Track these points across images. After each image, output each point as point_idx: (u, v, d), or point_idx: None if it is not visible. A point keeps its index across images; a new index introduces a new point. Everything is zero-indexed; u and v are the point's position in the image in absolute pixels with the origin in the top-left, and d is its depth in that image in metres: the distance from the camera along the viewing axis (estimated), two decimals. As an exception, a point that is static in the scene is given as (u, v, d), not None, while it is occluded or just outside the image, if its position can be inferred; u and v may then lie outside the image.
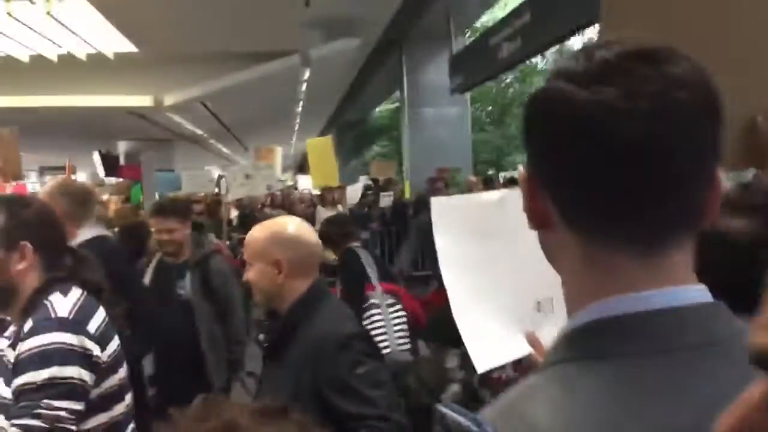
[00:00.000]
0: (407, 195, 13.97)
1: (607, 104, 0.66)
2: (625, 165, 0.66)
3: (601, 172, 0.68)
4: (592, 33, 15.57)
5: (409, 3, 12.09)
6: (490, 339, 1.55)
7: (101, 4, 9.29)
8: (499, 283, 1.57)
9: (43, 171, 28.61)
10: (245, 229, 11.08)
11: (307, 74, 13.41)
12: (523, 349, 1.43)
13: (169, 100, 12.70)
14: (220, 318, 3.83)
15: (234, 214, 12.19)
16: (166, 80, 12.60)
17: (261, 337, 2.18)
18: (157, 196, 10.62)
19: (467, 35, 16.80)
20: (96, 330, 1.83)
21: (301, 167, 43.62)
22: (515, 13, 9.39)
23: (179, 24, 10.66)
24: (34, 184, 31.68)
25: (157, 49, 11.34)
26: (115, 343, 1.92)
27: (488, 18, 18.34)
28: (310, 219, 10.71)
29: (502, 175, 12.17)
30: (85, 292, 1.89)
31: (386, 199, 12.21)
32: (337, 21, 11.91)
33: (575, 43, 16.13)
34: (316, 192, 13.04)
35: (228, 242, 9.97)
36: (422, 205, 11.35)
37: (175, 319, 3.67)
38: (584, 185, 0.70)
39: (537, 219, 0.78)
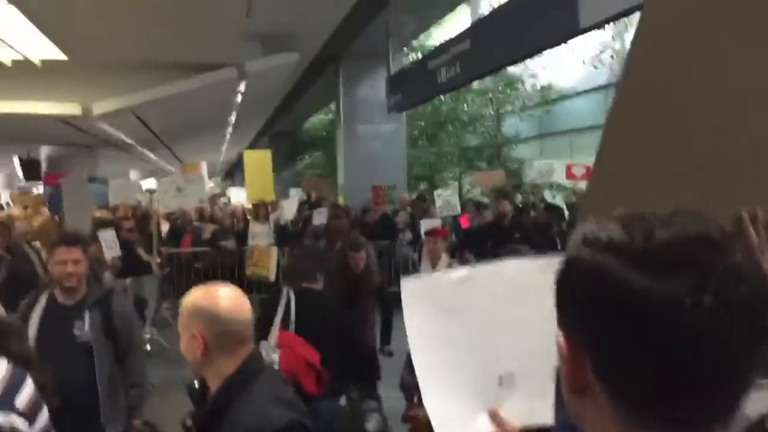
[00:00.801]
0: (341, 211, 13.96)
1: (671, 297, 0.67)
2: (681, 352, 0.68)
3: (655, 356, 0.69)
4: (530, 63, 16.13)
5: (349, 20, 12.12)
6: (455, 417, 1.57)
7: (28, 11, 8.89)
8: (462, 360, 1.59)
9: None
10: (176, 244, 10.86)
11: (242, 86, 13.24)
12: (486, 427, 1.47)
13: (98, 108, 12.26)
14: (120, 360, 3.59)
15: (164, 228, 11.90)
16: (96, 89, 12.16)
17: (188, 422, 2.01)
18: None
19: (405, 54, 16.97)
20: (25, 405, 1.76)
21: (229, 174, 43.11)
22: (455, 39, 9.56)
23: (112, 32, 10.30)
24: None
25: (88, 57, 10.93)
26: (44, 416, 1.85)
27: (426, 36, 18.57)
28: (242, 234, 10.61)
29: (436, 193, 12.29)
30: (12, 364, 1.82)
31: (320, 216, 12.15)
32: (277, 35, 11.82)
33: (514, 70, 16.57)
34: (248, 205, 12.86)
35: (158, 258, 9.75)
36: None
37: (72, 363, 3.37)
38: (633, 364, 0.70)
39: (574, 384, 0.78)
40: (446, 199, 11.67)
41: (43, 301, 3.53)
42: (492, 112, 20.72)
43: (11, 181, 24.41)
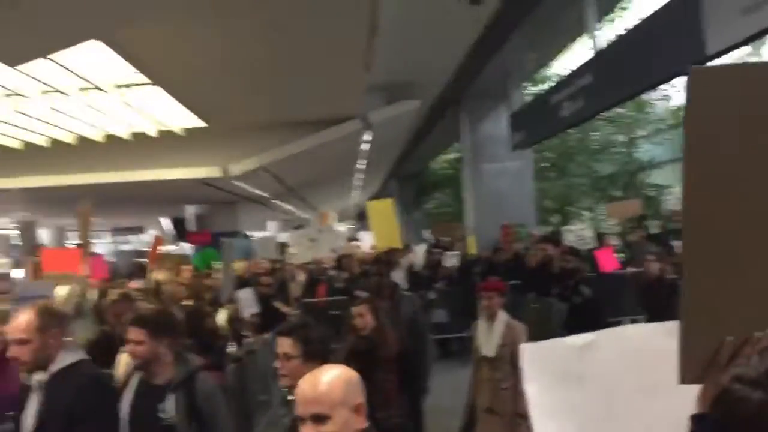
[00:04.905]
0: (472, 251, 13.88)
1: None
2: None
3: None
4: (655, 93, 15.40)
5: (467, 63, 12.20)
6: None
7: (170, 87, 9.70)
8: (589, 430, 1.53)
9: (116, 232, 29.89)
10: (312, 294, 11.11)
11: (367, 136, 13.63)
12: None
13: (235, 169, 13.09)
14: None
15: (301, 278, 12.30)
16: (233, 151, 13.00)
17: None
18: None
19: (525, 89, 16.79)
20: None
21: (361, 216, 44.20)
22: (577, 72, 9.34)
23: (244, 97, 11.02)
24: (108, 245, 33.07)
25: (223, 122, 11.74)
26: None
27: (546, 69, 18.31)
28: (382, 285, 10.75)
29: (565, 229, 11.92)
30: None
31: (451, 259, 12.13)
32: (397, 85, 12.12)
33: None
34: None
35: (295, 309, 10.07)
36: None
37: None
38: None
39: None
40: (578, 233, 11.30)
41: (136, 378, 3.51)
42: (624, 138, 19.99)
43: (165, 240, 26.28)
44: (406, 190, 28.99)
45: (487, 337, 4.95)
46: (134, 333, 3.38)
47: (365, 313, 4.63)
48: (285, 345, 2.98)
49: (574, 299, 7.55)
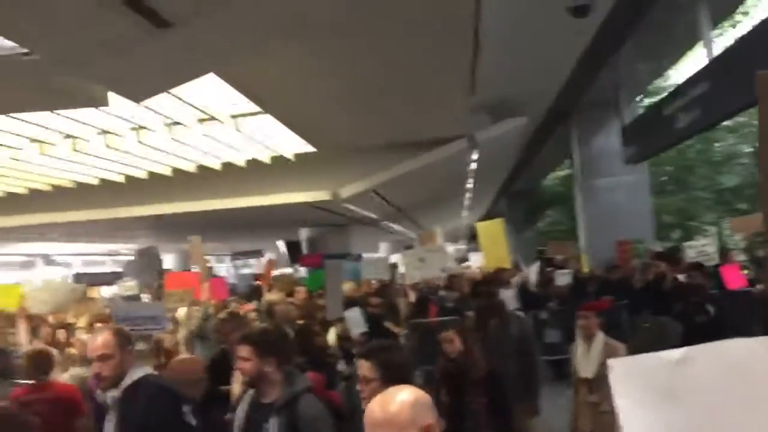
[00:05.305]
0: (585, 269, 13.45)
1: None
2: None
3: None
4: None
5: (575, 76, 11.91)
6: None
7: (281, 115, 10.09)
8: None
9: (235, 256, 31.33)
10: (422, 314, 11.15)
11: (475, 155, 13.56)
12: None
13: (345, 192, 13.40)
14: None
15: (411, 298, 12.35)
16: (342, 174, 13.33)
17: None
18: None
19: (640, 102, 16.19)
20: None
21: (473, 237, 43.94)
22: (691, 81, 8.92)
23: (352, 122, 11.29)
24: (229, 268, 34.62)
25: (332, 147, 12.05)
26: None
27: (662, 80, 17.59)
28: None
29: (687, 245, 11.31)
30: None
31: (564, 278, 11.79)
32: (504, 102, 12.00)
33: None
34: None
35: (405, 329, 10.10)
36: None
37: None
38: None
39: None
40: (700, 249, 10.70)
41: (249, 396, 3.54)
42: (749, 148, 18.80)
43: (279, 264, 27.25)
44: (517, 208, 28.53)
45: (586, 358, 4.82)
46: (242, 350, 3.46)
47: (454, 338, 4.68)
48: (364, 368, 2.98)
49: (697, 318, 7.15)
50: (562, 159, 21.97)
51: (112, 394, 3.37)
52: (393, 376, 2.86)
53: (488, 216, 24.34)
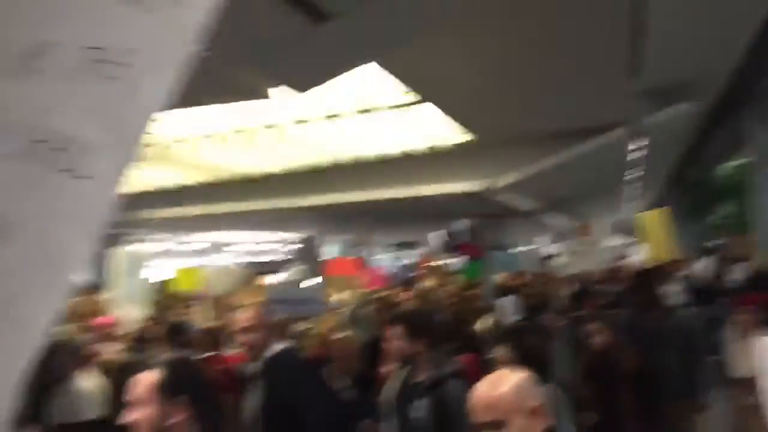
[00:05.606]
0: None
1: None
2: None
3: None
4: None
5: (752, 58, 11.04)
6: None
7: (442, 103, 10.24)
8: None
9: (396, 246, 32.48)
10: (579, 307, 10.97)
11: (637, 143, 13.00)
12: None
13: (501, 182, 13.34)
14: None
15: (565, 291, 12.13)
16: (500, 164, 13.28)
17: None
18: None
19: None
20: None
21: (633, 229, 41.52)
22: None
23: (510, 109, 11.23)
24: (390, 258, 35.69)
25: (491, 136, 12.05)
26: None
27: None
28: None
29: None
30: None
31: (739, 272, 11.03)
32: (669, 88, 11.39)
33: None
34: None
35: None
36: None
37: None
38: None
39: None
40: None
41: (402, 373, 3.61)
42: None
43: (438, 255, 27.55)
44: (687, 199, 26.80)
45: (741, 357, 4.48)
46: (392, 330, 3.59)
47: (600, 330, 4.59)
48: (499, 351, 3.03)
49: None
50: (737, 147, 20.36)
51: (254, 366, 3.65)
52: (527, 359, 2.89)
53: (654, 208, 23.12)
